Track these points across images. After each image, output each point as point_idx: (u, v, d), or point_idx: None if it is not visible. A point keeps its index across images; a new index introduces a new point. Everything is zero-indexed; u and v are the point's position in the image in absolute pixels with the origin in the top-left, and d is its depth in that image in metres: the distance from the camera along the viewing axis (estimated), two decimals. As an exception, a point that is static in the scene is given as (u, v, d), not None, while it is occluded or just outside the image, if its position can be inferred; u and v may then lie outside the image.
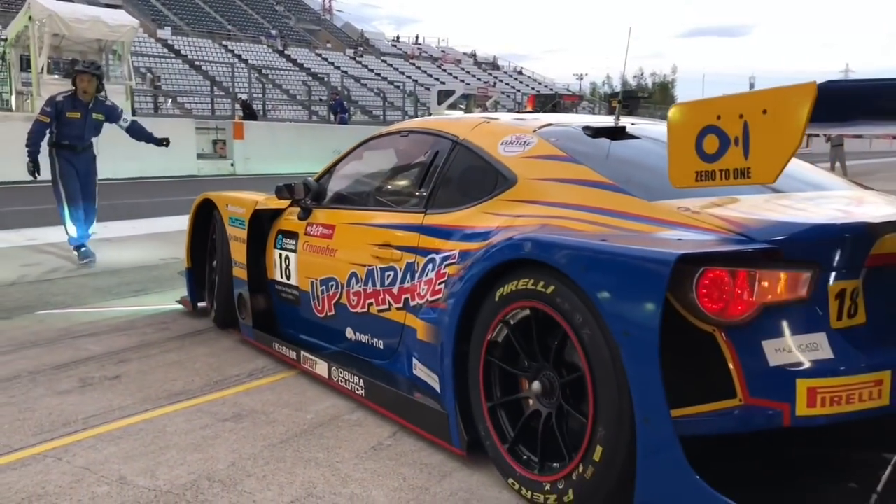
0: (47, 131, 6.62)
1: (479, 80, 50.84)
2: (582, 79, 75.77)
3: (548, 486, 2.29)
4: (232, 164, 18.36)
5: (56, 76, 16.23)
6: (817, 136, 20.25)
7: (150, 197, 12.47)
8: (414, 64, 52.60)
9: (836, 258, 2.15)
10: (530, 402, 2.46)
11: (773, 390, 2.06)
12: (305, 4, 60.32)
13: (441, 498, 2.44)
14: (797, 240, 2.14)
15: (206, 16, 46.54)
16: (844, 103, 1.98)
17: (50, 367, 3.73)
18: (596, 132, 3.10)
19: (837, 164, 19.60)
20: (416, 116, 27.64)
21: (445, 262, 2.86)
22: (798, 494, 2.21)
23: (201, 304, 4.82)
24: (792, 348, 2.09)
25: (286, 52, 43.10)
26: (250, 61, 36.15)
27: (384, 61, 50.43)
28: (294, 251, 3.80)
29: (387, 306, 3.14)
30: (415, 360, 2.96)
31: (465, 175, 3.17)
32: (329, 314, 3.54)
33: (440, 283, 2.84)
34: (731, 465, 2.27)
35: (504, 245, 2.48)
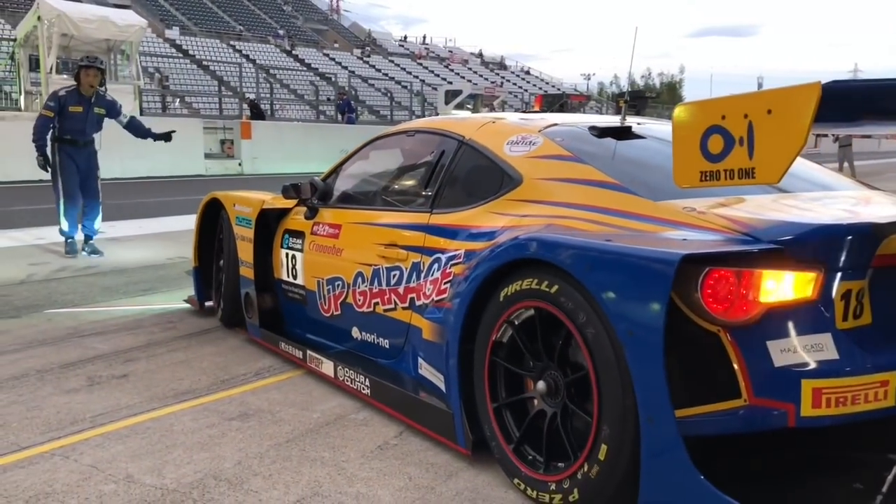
0: (51, 126, 6.74)
1: (486, 79, 50.83)
2: (589, 79, 75.62)
3: (553, 486, 2.29)
4: (239, 164, 18.40)
5: (65, 76, 16.27)
6: (826, 136, 20.18)
7: (158, 196, 12.52)
8: (421, 64, 52.63)
9: (842, 258, 2.14)
10: (535, 401, 2.46)
11: (778, 391, 2.06)
12: (313, 4, 60.42)
13: (447, 497, 2.44)
14: (803, 240, 2.13)
15: (214, 16, 46.66)
16: (850, 103, 1.97)
17: (58, 366, 3.75)
18: (602, 132, 3.10)
19: (846, 165, 19.52)
20: (424, 116, 27.66)
21: (451, 262, 2.87)
22: (803, 495, 2.20)
23: (208, 304, 4.84)
24: (797, 349, 2.08)
25: (294, 51, 43.17)
26: (258, 61, 36.23)
27: (391, 61, 50.48)
28: (300, 250, 3.81)
29: (392, 306, 3.15)
30: (420, 360, 2.97)
31: (471, 175, 3.17)
32: (335, 313, 3.55)
33: (445, 283, 2.85)
34: (735, 465, 2.26)
35: (509, 245, 2.48)
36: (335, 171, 3.97)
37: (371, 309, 3.28)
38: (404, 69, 48.71)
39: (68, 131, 6.82)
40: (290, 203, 4.01)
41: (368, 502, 2.41)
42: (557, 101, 30.25)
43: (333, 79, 33.88)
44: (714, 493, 1.91)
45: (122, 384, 3.51)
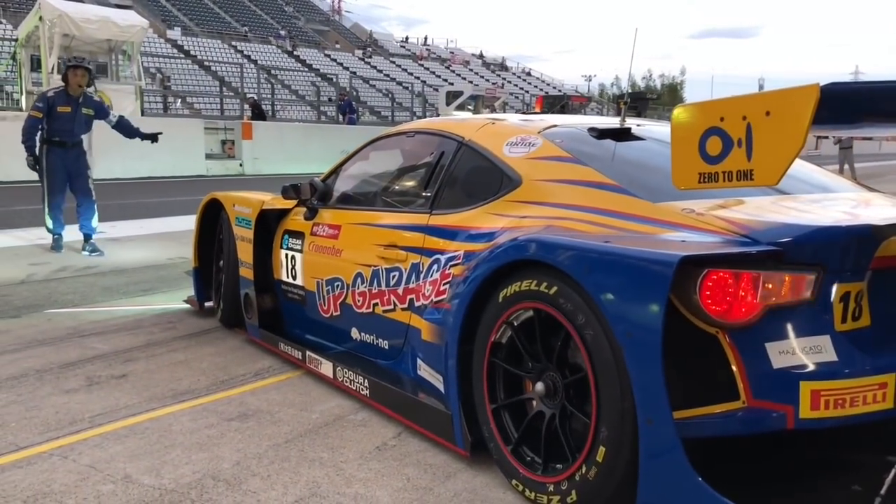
0: (40, 127, 6.86)
1: (487, 81, 50.78)
2: (591, 80, 75.65)
3: (551, 487, 2.29)
4: (240, 165, 18.40)
5: (66, 76, 16.32)
6: (826, 138, 20.16)
7: (159, 197, 12.53)
8: (422, 65, 52.65)
9: (841, 260, 2.14)
10: (534, 403, 2.46)
11: (777, 393, 2.06)
12: (314, 5, 60.45)
13: (445, 498, 2.44)
14: (802, 242, 2.13)
15: (216, 16, 46.70)
16: (848, 105, 1.97)
17: (57, 366, 3.75)
18: (601, 133, 3.10)
19: (846, 167, 19.50)
20: (425, 117, 27.66)
21: (450, 263, 2.87)
22: (801, 497, 2.20)
23: (208, 304, 4.84)
24: (796, 350, 2.08)
25: (295, 52, 43.19)
26: (259, 62, 36.25)
27: (393, 62, 50.49)
28: (300, 251, 3.81)
29: (392, 307, 3.15)
30: (419, 361, 2.97)
31: (471, 176, 3.17)
32: (334, 314, 3.55)
33: (445, 284, 2.85)
34: (733, 467, 2.26)
35: (508, 246, 2.49)
36: (335, 171, 3.97)
37: (370, 310, 3.28)
38: (405, 70, 48.73)
39: (57, 132, 6.92)
40: (289, 204, 4.02)
41: (367, 503, 2.41)
42: (558, 102, 30.20)
43: (335, 79, 33.89)
44: (712, 494, 1.91)
45: (122, 384, 3.51)
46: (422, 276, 2.99)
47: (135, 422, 3.06)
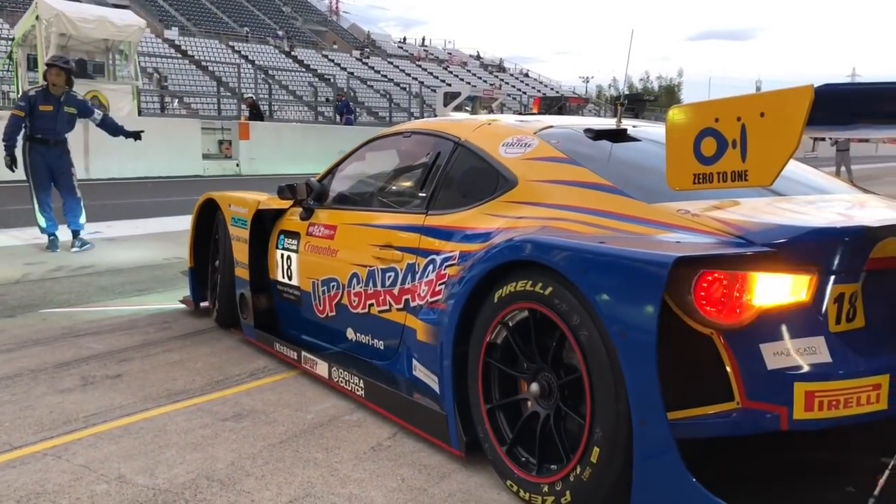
0: (23, 125, 6.94)
1: (485, 81, 50.85)
2: (588, 81, 75.58)
3: (546, 488, 2.29)
4: (237, 165, 18.39)
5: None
6: (823, 139, 20.19)
7: (155, 197, 12.50)
8: (420, 65, 52.65)
9: (836, 262, 2.14)
10: (529, 403, 2.46)
11: (771, 394, 2.06)
12: (312, 6, 60.45)
13: (439, 499, 2.44)
14: (796, 243, 2.14)
15: (213, 16, 46.66)
16: (842, 107, 1.98)
17: (52, 366, 3.75)
18: (597, 134, 3.10)
19: (842, 169, 19.54)
20: (422, 118, 27.65)
21: (446, 264, 2.87)
22: (795, 498, 2.20)
23: (203, 304, 4.83)
24: (790, 352, 2.08)
25: (293, 52, 43.17)
26: (257, 62, 36.22)
27: (390, 63, 50.50)
28: (296, 251, 3.81)
29: (387, 307, 3.15)
30: (415, 361, 2.97)
31: (467, 176, 3.17)
32: (330, 314, 3.55)
33: (440, 285, 2.85)
34: (728, 468, 2.26)
35: (504, 246, 2.48)
36: (331, 172, 3.96)
37: (366, 310, 3.28)
38: (403, 71, 48.74)
39: (39, 130, 7.00)
40: (285, 204, 4.01)
41: (361, 503, 2.41)
42: (556, 103, 30.25)
43: (332, 80, 33.88)
44: (706, 495, 1.91)
45: (116, 384, 3.50)
46: (417, 276, 2.99)
47: (129, 422, 3.05)
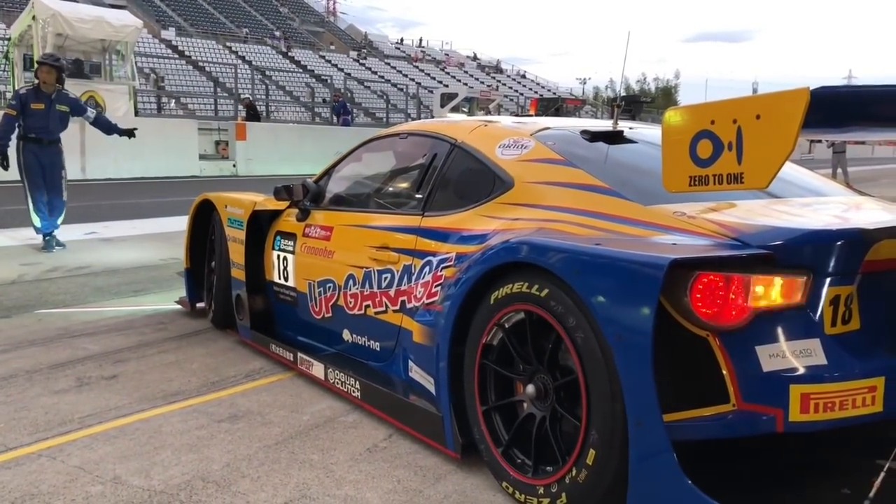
0: (16, 125, 6.96)
1: (482, 83, 50.85)
2: (585, 83, 75.59)
3: (541, 490, 2.29)
4: (234, 165, 18.36)
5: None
6: (819, 141, 20.22)
7: (152, 197, 12.48)
8: (417, 66, 52.65)
9: (831, 264, 2.15)
10: (525, 405, 2.46)
11: (767, 396, 2.06)
12: (310, 6, 60.43)
13: (435, 501, 2.44)
14: (792, 245, 2.14)
15: (211, 17, 46.62)
16: (838, 109, 1.98)
17: (47, 367, 3.74)
18: (593, 136, 3.10)
19: (839, 171, 19.57)
20: (419, 119, 27.64)
21: (442, 265, 2.86)
22: (791, 500, 2.20)
23: (200, 305, 4.83)
24: (786, 354, 2.09)
25: (290, 53, 43.14)
26: (254, 63, 36.19)
27: (388, 63, 50.49)
28: (292, 252, 3.81)
29: (383, 308, 3.14)
30: (411, 363, 2.96)
31: (463, 178, 3.17)
32: (326, 316, 3.54)
33: (436, 286, 2.84)
34: (724, 470, 2.26)
35: (500, 248, 2.48)
36: (327, 173, 3.96)
37: (362, 311, 3.27)
38: (400, 72, 48.72)
39: (32, 129, 7.01)
40: (281, 205, 4.01)
41: (356, 505, 2.41)
42: (553, 104, 30.23)
43: (329, 81, 33.81)
44: (702, 497, 1.91)
45: (112, 385, 3.49)
46: (413, 277, 2.99)
47: (125, 423, 3.05)
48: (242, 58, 37.51)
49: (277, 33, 46.98)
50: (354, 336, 3.38)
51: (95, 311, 4.91)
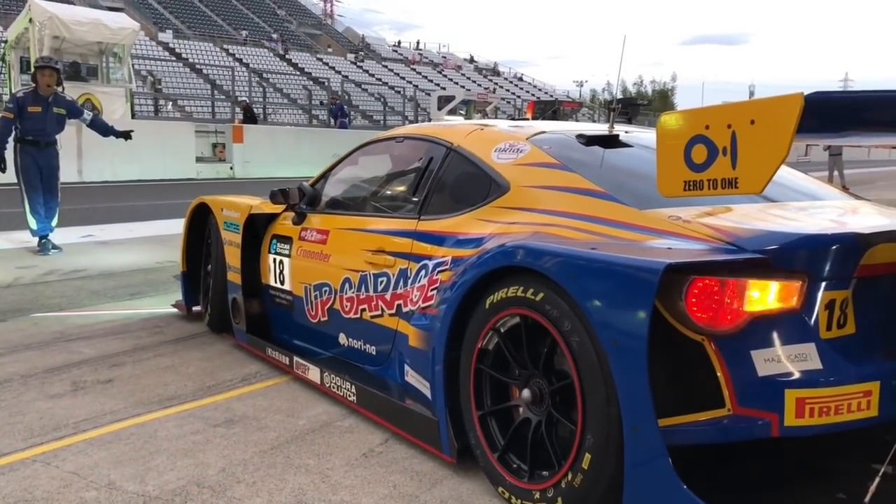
0: (13, 127, 6.99)
1: (479, 85, 50.86)
2: (582, 85, 75.87)
3: (537, 495, 2.29)
4: (231, 168, 18.35)
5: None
6: (816, 144, 20.26)
7: (148, 200, 12.47)
8: (415, 69, 52.65)
9: (826, 268, 2.15)
10: (520, 409, 2.45)
11: (762, 400, 2.06)
12: (307, 9, 60.44)
13: (430, 505, 2.43)
14: (787, 250, 2.14)
15: (208, 19, 46.60)
16: (833, 114, 1.98)
17: (42, 371, 3.73)
18: (589, 140, 3.10)
19: (835, 173, 19.61)
20: (417, 122, 27.66)
21: (438, 269, 2.86)
22: (787, 505, 2.20)
23: (196, 308, 4.82)
24: (781, 358, 2.09)
25: (287, 56, 43.13)
26: (251, 65, 36.18)
27: (385, 66, 50.47)
28: (288, 256, 3.80)
29: (379, 312, 3.14)
30: (407, 367, 2.96)
31: (459, 182, 3.17)
32: (322, 319, 3.54)
33: (432, 290, 2.84)
34: (719, 475, 2.26)
35: (496, 252, 2.48)
36: (324, 176, 3.96)
37: (358, 315, 3.27)
38: (398, 74, 48.71)
39: (29, 132, 7.05)
40: (278, 208, 4.00)
41: (352, 510, 2.40)
42: (550, 107, 30.24)
43: (327, 83, 33.79)
44: (697, 502, 1.91)
45: (107, 389, 3.48)
46: (409, 281, 2.98)
47: (120, 427, 3.04)
48: (240, 60, 37.49)
49: (275, 36, 46.96)
50: (350, 340, 3.38)
51: (91, 315, 4.90)
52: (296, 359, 3.59)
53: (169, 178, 16.20)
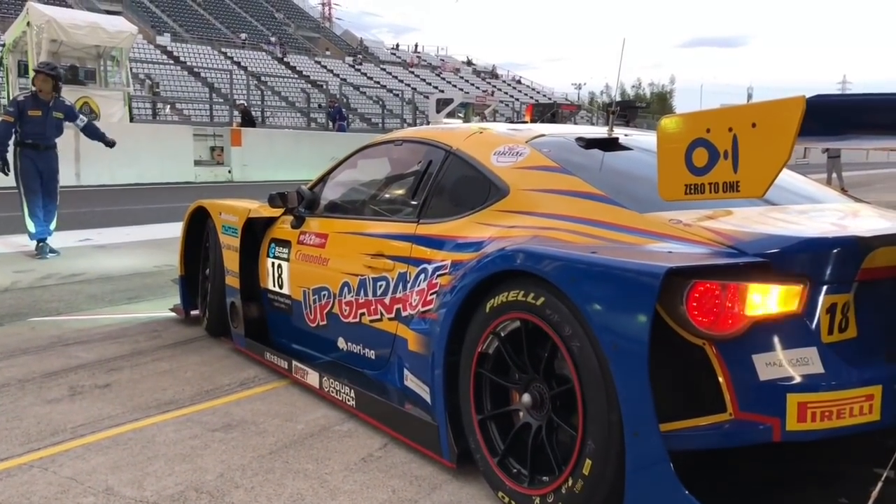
0: (13, 131, 7.05)
1: (477, 88, 50.93)
2: (580, 88, 75.87)
3: (537, 500, 2.27)
4: (229, 171, 18.34)
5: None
6: (815, 147, 20.25)
7: (146, 203, 12.46)
8: (413, 72, 52.70)
9: (828, 272, 2.14)
10: (520, 414, 2.44)
11: (764, 405, 2.05)
12: (305, 12, 60.47)
13: (430, 511, 2.42)
14: (788, 253, 2.13)
15: (206, 23, 46.61)
16: (834, 117, 1.97)
17: (40, 375, 3.71)
18: (588, 143, 3.09)
19: (834, 176, 19.62)
20: (415, 124, 27.68)
21: (437, 273, 2.85)
22: (788, 509, 2.19)
23: (194, 313, 4.80)
24: (783, 362, 2.08)
25: (285, 59, 43.15)
26: (249, 68, 36.18)
27: (383, 69, 50.51)
28: (287, 260, 3.79)
29: (378, 316, 3.13)
30: (406, 371, 2.95)
31: (458, 185, 3.16)
32: (321, 324, 3.53)
33: (432, 294, 2.83)
34: (721, 479, 2.25)
35: (495, 256, 2.47)
36: (322, 179, 3.95)
37: (357, 319, 3.26)
38: (396, 77, 48.74)
39: (30, 135, 7.10)
40: (276, 212, 3.99)
41: (351, 516, 2.39)
42: (548, 110, 30.27)
43: (325, 86, 33.84)
44: (699, 507, 1.90)
45: (105, 394, 3.47)
46: (409, 285, 2.97)
47: (117, 432, 3.02)
48: (238, 63, 37.49)
49: (273, 39, 46.97)
50: (349, 344, 3.37)
51: (89, 319, 4.88)
52: (294, 363, 3.58)
53: (167, 182, 16.18)
